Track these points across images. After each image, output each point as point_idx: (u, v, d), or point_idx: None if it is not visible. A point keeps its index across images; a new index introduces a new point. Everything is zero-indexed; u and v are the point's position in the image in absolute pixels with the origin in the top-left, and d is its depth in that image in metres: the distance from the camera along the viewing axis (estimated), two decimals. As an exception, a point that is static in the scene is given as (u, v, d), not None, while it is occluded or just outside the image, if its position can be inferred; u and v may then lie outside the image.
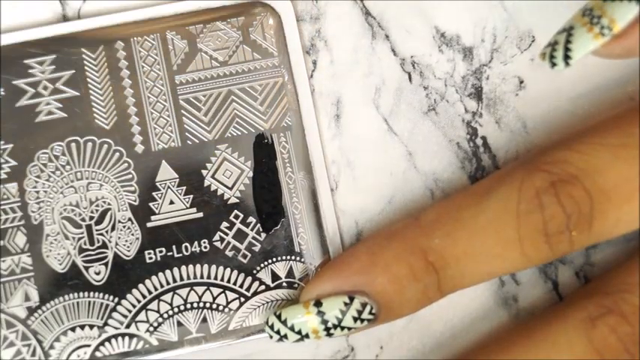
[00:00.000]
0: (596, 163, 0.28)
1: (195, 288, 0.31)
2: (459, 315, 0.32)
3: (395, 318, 0.30)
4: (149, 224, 0.31)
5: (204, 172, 0.31)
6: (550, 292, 0.33)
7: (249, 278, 0.31)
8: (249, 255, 0.31)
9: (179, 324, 0.31)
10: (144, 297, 0.31)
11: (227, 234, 0.31)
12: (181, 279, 0.31)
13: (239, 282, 0.31)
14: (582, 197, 0.28)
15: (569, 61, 0.28)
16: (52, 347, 0.31)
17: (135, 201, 0.31)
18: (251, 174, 0.31)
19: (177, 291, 0.31)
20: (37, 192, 0.31)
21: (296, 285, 0.31)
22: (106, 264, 0.31)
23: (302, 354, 0.32)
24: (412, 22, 0.33)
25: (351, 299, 0.29)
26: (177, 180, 0.31)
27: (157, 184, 0.31)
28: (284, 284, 0.31)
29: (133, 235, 0.31)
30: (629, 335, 0.28)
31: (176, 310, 0.31)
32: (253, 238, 0.31)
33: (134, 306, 0.31)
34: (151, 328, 0.31)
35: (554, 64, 0.28)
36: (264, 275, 0.31)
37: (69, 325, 0.31)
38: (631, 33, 0.27)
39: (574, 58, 0.28)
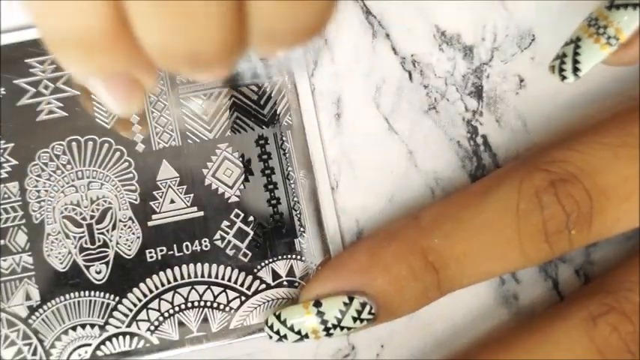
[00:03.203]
0: (596, 162, 0.28)
1: (196, 287, 0.31)
2: (459, 313, 0.32)
3: (394, 317, 0.30)
4: (150, 223, 0.31)
5: (204, 171, 0.31)
6: (550, 291, 0.33)
7: (250, 277, 0.31)
8: (250, 254, 0.31)
9: (180, 323, 0.31)
10: (145, 296, 0.31)
11: (228, 233, 0.31)
12: (182, 278, 0.31)
13: (240, 281, 0.31)
14: (582, 196, 0.28)
15: (579, 73, 0.28)
16: (53, 346, 0.31)
17: (136, 200, 0.31)
18: (252, 173, 0.31)
19: (178, 290, 0.31)
20: (38, 191, 0.31)
21: (297, 284, 0.31)
22: (106, 263, 0.31)
23: (303, 353, 0.32)
24: (413, 21, 0.33)
25: (351, 299, 0.29)
26: (178, 179, 0.31)
27: (158, 183, 0.31)
28: (285, 283, 0.31)
29: (133, 234, 0.31)
30: (631, 334, 0.28)
31: (177, 309, 0.31)
32: (254, 236, 0.31)
33: (135, 305, 0.31)
34: (152, 327, 0.31)
35: (564, 77, 0.28)
36: (265, 274, 0.31)
37: (70, 324, 0.31)
38: (638, 40, 0.27)
39: (583, 70, 0.28)
